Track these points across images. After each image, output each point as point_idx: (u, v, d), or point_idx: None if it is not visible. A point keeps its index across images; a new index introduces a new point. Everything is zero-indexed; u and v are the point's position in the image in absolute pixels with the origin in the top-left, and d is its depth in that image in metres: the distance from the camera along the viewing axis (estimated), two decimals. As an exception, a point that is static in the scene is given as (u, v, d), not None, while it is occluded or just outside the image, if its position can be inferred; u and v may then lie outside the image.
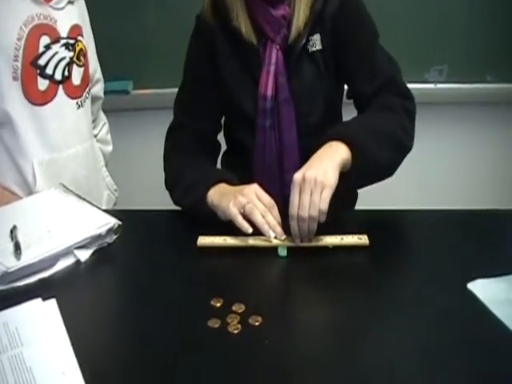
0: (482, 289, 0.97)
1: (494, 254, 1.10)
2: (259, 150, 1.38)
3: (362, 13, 1.34)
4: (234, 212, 1.12)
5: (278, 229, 1.11)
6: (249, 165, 1.41)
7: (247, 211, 1.11)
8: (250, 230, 1.10)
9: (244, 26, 1.29)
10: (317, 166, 1.10)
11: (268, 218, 1.11)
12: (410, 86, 2.05)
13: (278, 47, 1.30)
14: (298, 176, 1.09)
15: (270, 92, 1.31)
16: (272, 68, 1.31)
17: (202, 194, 1.21)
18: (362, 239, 1.12)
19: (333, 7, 1.28)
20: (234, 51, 1.34)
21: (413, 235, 1.21)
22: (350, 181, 1.14)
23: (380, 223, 1.23)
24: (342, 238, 1.12)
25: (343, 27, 1.30)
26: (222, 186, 1.21)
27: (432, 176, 2.26)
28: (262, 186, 1.17)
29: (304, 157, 1.37)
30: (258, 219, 1.11)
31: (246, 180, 1.37)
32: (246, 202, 1.12)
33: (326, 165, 1.10)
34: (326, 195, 1.07)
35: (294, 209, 1.08)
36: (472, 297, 0.96)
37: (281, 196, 1.22)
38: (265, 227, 1.10)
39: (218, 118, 1.46)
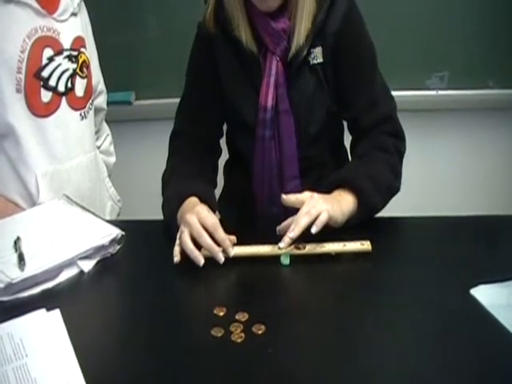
0: (485, 294, 0.97)
1: (496, 259, 1.10)
2: (259, 159, 1.38)
3: (364, 33, 1.34)
4: (176, 250, 1.12)
5: (216, 249, 1.10)
6: (250, 174, 1.41)
7: (182, 239, 1.11)
8: (202, 262, 1.08)
9: (245, 35, 1.29)
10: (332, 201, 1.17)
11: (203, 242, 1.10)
12: (411, 93, 2.10)
13: (278, 59, 1.30)
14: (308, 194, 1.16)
15: (270, 103, 1.31)
16: (272, 79, 1.31)
17: (174, 211, 1.21)
18: (365, 245, 1.12)
19: (336, 23, 1.28)
20: (235, 60, 1.34)
21: (415, 241, 1.21)
22: (346, 223, 1.19)
23: (382, 229, 1.23)
24: (345, 245, 1.12)
25: (345, 44, 1.30)
26: (187, 204, 1.20)
27: (434, 182, 2.26)
28: (261, 194, 1.16)
29: (303, 167, 1.37)
30: (188, 247, 1.10)
31: (248, 188, 1.37)
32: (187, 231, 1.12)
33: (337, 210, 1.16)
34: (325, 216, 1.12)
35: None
36: (475, 302, 0.96)
37: (281, 206, 1.22)
38: (194, 253, 1.09)
39: (219, 125, 1.46)
